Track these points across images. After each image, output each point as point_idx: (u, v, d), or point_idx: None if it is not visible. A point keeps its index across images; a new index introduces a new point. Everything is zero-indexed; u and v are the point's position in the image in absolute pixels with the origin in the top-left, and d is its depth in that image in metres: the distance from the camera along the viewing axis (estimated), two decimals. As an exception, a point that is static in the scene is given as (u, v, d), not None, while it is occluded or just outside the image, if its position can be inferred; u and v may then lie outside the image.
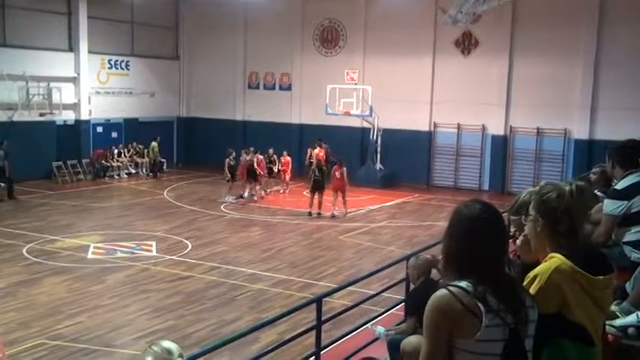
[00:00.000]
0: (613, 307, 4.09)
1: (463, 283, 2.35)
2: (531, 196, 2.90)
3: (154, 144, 26.59)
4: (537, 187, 2.88)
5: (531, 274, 2.66)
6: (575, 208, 2.76)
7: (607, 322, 3.66)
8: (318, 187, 19.54)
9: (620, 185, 4.96)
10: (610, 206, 4.89)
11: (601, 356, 2.79)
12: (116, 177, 26.09)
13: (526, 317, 2.40)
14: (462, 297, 2.32)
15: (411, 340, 4.94)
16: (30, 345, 9.41)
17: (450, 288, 2.36)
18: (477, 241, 2.40)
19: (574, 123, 23.46)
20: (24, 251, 14.55)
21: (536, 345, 2.47)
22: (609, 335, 3.68)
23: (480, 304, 2.31)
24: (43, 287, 12.16)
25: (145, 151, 27.11)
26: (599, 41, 22.67)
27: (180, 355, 2.22)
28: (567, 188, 2.80)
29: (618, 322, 3.92)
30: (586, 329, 2.67)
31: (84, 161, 25.58)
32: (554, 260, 2.66)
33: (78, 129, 25.88)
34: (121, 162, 26.48)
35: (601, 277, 2.71)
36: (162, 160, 27.36)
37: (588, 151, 22.50)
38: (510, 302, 2.36)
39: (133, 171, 26.86)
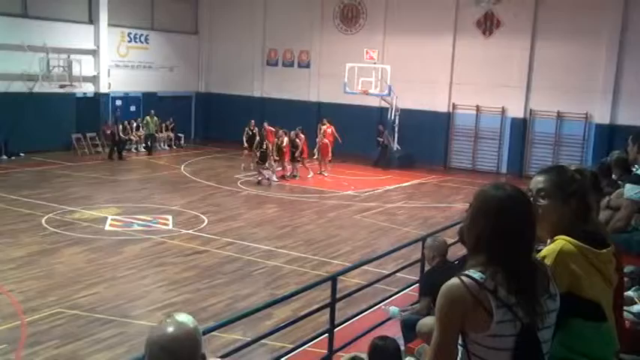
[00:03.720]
0: (631, 293, 4.07)
1: (477, 274, 2.28)
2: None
3: (148, 118, 26.10)
4: (549, 171, 2.83)
5: (539, 255, 2.66)
6: (588, 190, 2.81)
7: (625, 308, 3.64)
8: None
9: (642, 170, 4.90)
10: (631, 191, 4.84)
11: (615, 330, 2.80)
12: (134, 150, 26.23)
13: (545, 308, 2.32)
14: (473, 289, 2.25)
15: (427, 322, 4.96)
16: (48, 313, 9.57)
17: (463, 278, 2.28)
18: (504, 223, 2.31)
19: (595, 107, 23.15)
20: (43, 221, 14.73)
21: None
22: (626, 321, 3.66)
23: (491, 299, 2.24)
24: (61, 257, 12.32)
25: (134, 125, 26.46)
26: (624, 24, 22.28)
27: (196, 328, 2.23)
28: (577, 172, 2.83)
29: (636, 308, 3.91)
30: (599, 304, 2.69)
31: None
32: (560, 241, 2.68)
33: (97, 102, 26.01)
34: (140, 136, 26.56)
35: (604, 250, 2.74)
36: (157, 134, 26.95)
37: (609, 136, 22.23)
38: (525, 295, 2.27)
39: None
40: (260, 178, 20.72)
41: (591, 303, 2.66)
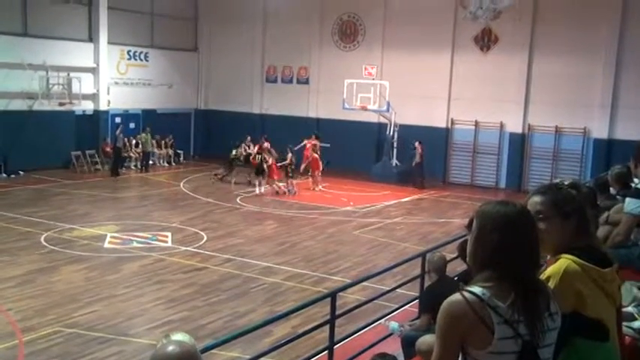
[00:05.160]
0: (631, 309, 4.05)
1: (478, 290, 2.27)
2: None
3: (144, 135, 25.97)
4: (545, 191, 2.82)
5: (544, 275, 2.64)
6: (585, 204, 2.81)
7: (625, 324, 3.62)
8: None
9: (642, 185, 4.91)
10: (631, 205, 4.83)
11: (618, 349, 2.78)
12: (133, 168, 26.23)
13: (545, 326, 2.30)
14: (475, 305, 2.24)
15: (427, 340, 4.94)
16: (46, 332, 9.51)
17: (465, 294, 2.27)
18: (508, 240, 2.30)
19: (594, 122, 23.20)
20: (42, 239, 14.70)
21: (555, 349, 2.44)
22: (626, 337, 3.64)
23: (492, 315, 2.23)
24: (60, 275, 12.28)
25: (134, 142, 26.37)
26: (621, 39, 22.39)
27: (194, 345, 2.23)
28: (572, 187, 2.83)
29: (637, 324, 3.88)
30: (603, 323, 2.67)
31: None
32: (564, 260, 2.67)
33: (97, 119, 26.06)
34: (139, 153, 26.55)
35: (608, 269, 2.73)
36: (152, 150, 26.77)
37: (607, 151, 22.27)
38: (528, 312, 2.26)
39: (151, 162, 26.92)
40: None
41: (596, 322, 2.65)
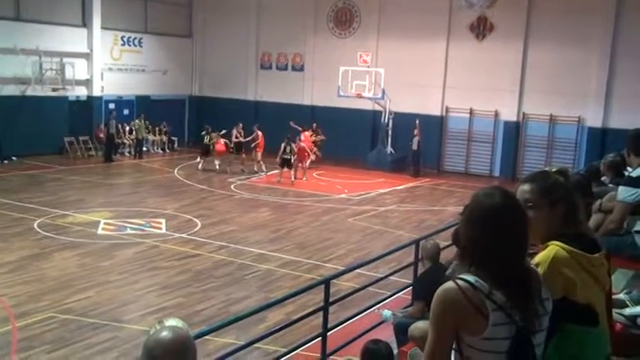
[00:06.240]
0: (622, 296, 4.08)
1: (472, 278, 2.29)
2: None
3: (138, 121, 25.77)
4: (533, 178, 2.82)
5: (533, 262, 2.66)
6: (573, 191, 2.83)
7: (616, 311, 3.65)
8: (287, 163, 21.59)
9: (635, 173, 4.92)
10: (624, 193, 4.85)
11: (608, 334, 2.80)
12: (127, 154, 26.15)
13: (537, 312, 2.33)
14: (469, 293, 2.26)
15: (419, 326, 4.94)
16: (40, 318, 9.51)
17: (458, 282, 2.29)
18: (495, 231, 2.31)
19: (588, 111, 23.25)
20: (35, 225, 14.66)
21: (546, 334, 2.46)
22: (617, 324, 3.67)
23: (486, 302, 2.25)
24: (53, 261, 12.26)
25: (127, 128, 26.28)
26: (616, 29, 22.39)
27: (188, 330, 2.24)
28: (560, 174, 2.85)
29: (628, 311, 3.91)
30: (593, 308, 2.70)
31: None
32: (552, 247, 2.69)
33: (90, 105, 25.92)
34: (132, 139, 26.45)
35: (596, 254, 2.75)
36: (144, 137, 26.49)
37: (601, 140, 22.32)
38: (520, 299, 2.28)
39: (145, 148, 26.83)
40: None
41: (585, 308, 2.67)
